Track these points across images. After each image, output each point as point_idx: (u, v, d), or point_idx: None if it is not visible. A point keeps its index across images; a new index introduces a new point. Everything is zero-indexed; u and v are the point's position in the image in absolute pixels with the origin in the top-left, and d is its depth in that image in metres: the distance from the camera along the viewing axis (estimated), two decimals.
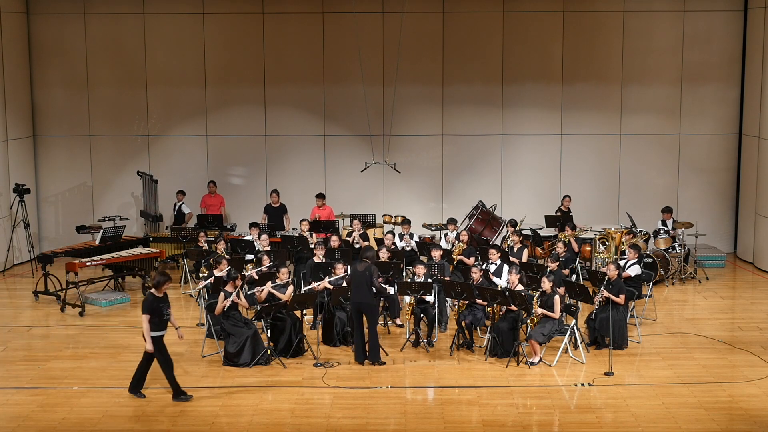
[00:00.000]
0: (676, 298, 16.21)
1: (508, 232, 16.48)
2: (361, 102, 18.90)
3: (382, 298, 13.43)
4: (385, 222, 18.15)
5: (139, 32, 19.37)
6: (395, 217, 18.03)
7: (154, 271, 16.61)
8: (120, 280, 16.73)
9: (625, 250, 15.21)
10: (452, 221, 16.52)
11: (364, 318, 12.52)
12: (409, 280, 14.10)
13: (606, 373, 12.00)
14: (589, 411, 10.85)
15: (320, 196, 18.12)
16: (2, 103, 18.24)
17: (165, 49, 19.44)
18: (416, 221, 18.09)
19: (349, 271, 13.92)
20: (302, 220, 16.64)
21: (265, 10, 19.37)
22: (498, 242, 17.05)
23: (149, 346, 11.07)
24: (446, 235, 16.35)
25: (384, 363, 12.46)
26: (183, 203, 18.77)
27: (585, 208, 19.06)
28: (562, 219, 17.39)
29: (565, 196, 18.52)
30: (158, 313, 11.12)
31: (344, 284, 13.43)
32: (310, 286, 13.49)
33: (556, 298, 12.54)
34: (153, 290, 11.26)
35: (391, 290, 13.68)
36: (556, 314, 12.50)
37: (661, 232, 17.33)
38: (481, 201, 17.96)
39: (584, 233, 17.09)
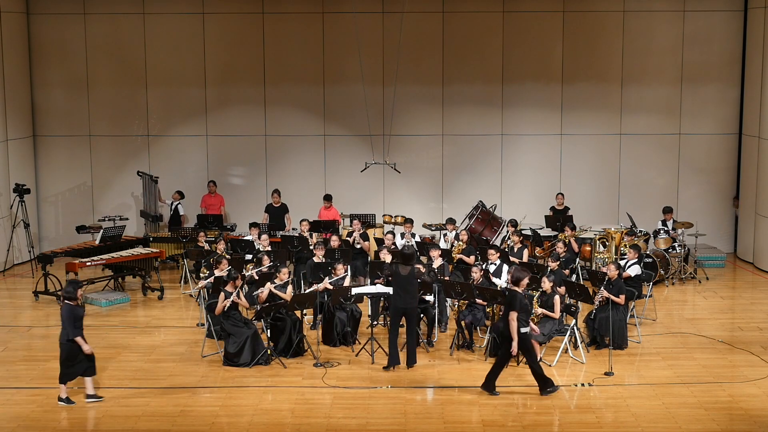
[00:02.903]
0: (676, 298, 16.21)
1: (508, 232, 16.48)
2: (361, 102, 18.90)
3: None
4: (385, 222, 18.15)
5: (139, 32, 19.37)
6: (395, 217, 18.03)
7: (155, 272, 16.64)
8: (120, 280, 16.72)
9: (625, 251, 15.23)
10: (451, 221, 16.52)
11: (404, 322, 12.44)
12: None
13: (606, 373, 12.00)
14: (589, 411, 10.85)
15: (327, 198, 18.15)
16: (2, 103, 18.24)
17: (165, 49, 19.44)
18: (416, 221, 18.06)
19: (349, 272, 13.92)
20: (302, 220, 16.65)
21: (265, 10, 19.37)
22: (498, 242, 17.05)
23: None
24: (445, 235, 16.35)
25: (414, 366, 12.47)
26: (179, 203, 18.74)
27: (585, 208, 19.06)
28: (562, 219, 17.40)
29: (558, 194, 18.55)
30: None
31: (344, 284, 13.43)
32: (311, 288, 13.46)
33: (556, 298, 12.54)
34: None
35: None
36: (556, 314, 12.50)
37: (661, 232, 17.33)
38: (481, 201, 17.97)
39: (584, 233, 17.09)
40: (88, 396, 11.20)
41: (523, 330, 11.10)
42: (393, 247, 15.38)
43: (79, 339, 11.07)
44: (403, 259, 12.32)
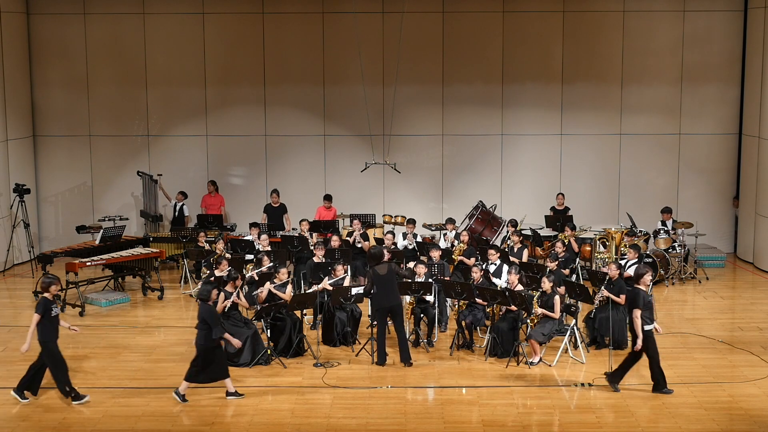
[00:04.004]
0: (676, 298, 16.21)
1: (508, 232, 16.48)
2: (361, 102, 18.90)
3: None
4: (385, 222, 18.15)
5: (139, 32, 19.37)
6: (395, 217, 18.03)
7: (155, 272, 16.64)
8: (120, 280, 16.73)
9: (625, 251, 15.23)
10: (451, 221, 16.52)
11: (389, 320, 12.51)
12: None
13: (606, 373, 11.99)
14: (589, 411, 10.86)
15: (327, 198, 18.15)
16: (2, 103, 18.24)
17: (165, 49, 19.44)
18: (416, 221, 18.08)
19: (349, 272, 13.92)
20: (302, 220, 16.65)
21: (265, 10, 19.37)
22: (498, 242, 17.05)
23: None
24: (445, 234, 16.35)
25: (412, 363, 12.47)
26: (183, 204, 18.76)
27: (585, 208, 19.06)
28: (562, 219, 17.40)
29: (558, 194, 18.56)
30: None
31: (344, 284, 13.44)
32: (311, 289, 13.46)
33: (556, 298, 12.54)
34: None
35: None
36: (556, 314, 12.50)
37: (661, 232, 17.33)
38: (481, 201, 17.97)
39: (584, 233, 17.09)
40: (229, 393, 11.23)
41: (647, 327, 11.12)
42: (393, 247, 15.39)
43: (227, 336, 11.32)
44: (372, 260, 12.46)
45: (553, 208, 18.44)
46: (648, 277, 11.27)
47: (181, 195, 18.77)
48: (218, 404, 11.10)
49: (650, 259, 16.30)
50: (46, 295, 11.10)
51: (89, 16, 19.31)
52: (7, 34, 18.33)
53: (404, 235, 16.14)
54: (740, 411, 10.87)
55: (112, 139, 19.66)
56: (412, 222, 16.47)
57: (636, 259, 14.36)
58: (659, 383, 11.36)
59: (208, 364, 11.10)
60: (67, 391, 11.09)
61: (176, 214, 18.78)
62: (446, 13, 19.31)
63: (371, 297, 12.49)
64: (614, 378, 11.48)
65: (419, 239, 16.51)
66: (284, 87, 19.55)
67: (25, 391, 11.23)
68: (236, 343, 11.58)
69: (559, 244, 15.28)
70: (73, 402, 11.08)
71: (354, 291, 13.28)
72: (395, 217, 18.03)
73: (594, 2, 19.30)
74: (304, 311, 13.41)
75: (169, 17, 19.41)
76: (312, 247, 15.16)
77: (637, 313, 11.03)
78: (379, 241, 15.84)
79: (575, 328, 12.79)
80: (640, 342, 11.06)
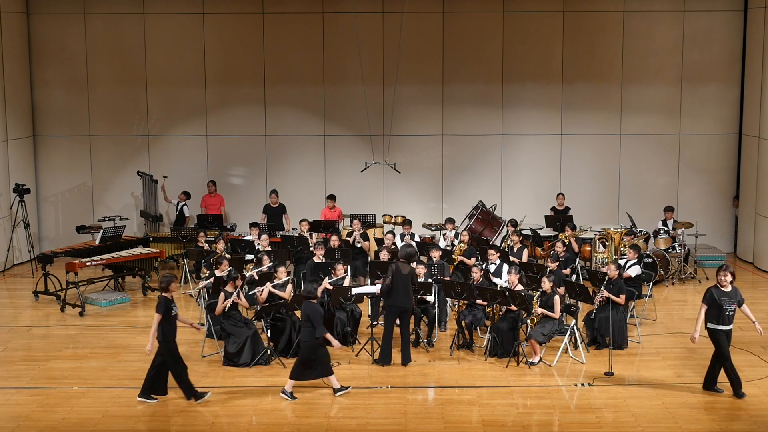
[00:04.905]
0: (676, 298, 16.21)
1: (508, 231, 16.48)
2: (361, 102, 18.91)
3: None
4: (385, 222, 18.15)
5: (139, 32, 19.38)
6: (395, 217, 18.03)
7: (155, 272, 16.63)
8: (120, 280, 16.73)
9: (624, 251, 15.23)
10: (450, 221, 16.52)
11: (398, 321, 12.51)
12: None
13: (606, 373, 12.00)
14: (589, 411, 10.86)
15: (331, 198, 18.14)
16: (2, 103, 18.24)
17: (165, 49, 19.44)
18: (416, 221, 18.09)
19: (349, 272, 13.92)
20: (302, 220, 16.65)
21: (265, 10, 19.37)
22: (498, 242, 17.06)
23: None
24: (444, 234, 16.35)
25: (410, 360, 12.55)
26: (185, 204, 18.76)
27: (585, 208, 19.06)
28: (562, 219, 17.41)
29: (558, 194, 18.56)
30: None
31: (344, 284, 13.44)
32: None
33: (556, 298, 12.54)
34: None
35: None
36: (556, 314, 12.50)
37: (661, 232, 17.33)
38: (481, 201, 17.98)
39: (584, 233, 17.09)
40: (336, 390, 11.30)
41: (709, 325, 11.14)
42: (393, 247, 15.39)
43: (328, 335, 11.32)
44: (400, 256, 12.48)
45: (553, 208, 18.44)
46: (721, 277, 11.22)
47: (183, 195, 18.77)
48: (218, 404, 11.10)
49: (650, 259, 16.30)
50: (165, 294, 11.07)
51: (89, 16, 19.31)
52: (7, 34, 18.33)
53: (402, 236, 16.13)
54: (740, 411, 10.87)
55: (112, 139, 19.66)
56: (408, 223, 16.48)
57: (636, 259, 14.36)
58: (738, 386, 11.30)
59: (313, 362, 11.20)
60: (189, 391, 11.10)
61: (177, 212, 18.77)
62: (446, 13, 19.31)
63: (385, 295, 12.46)
64: (709, 384, 11.42)
65: (417, 239, 16.50)
66: (284, 87, 19.55)
67: (152, 394, 11.18)
68: (336, 344, 11.58)
69: (559, 244, 15.28)
70: (196, 401, 11.08)
71: (354, 291, 13.28)
72: (395, 217, 18.03)
73: (594, 2, 19.30)
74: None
75: (169, 17, 19.41)
76: (312, 247, 15.16)
77: (703, 308, 11.19)
78: (379, 242, 15.84)
79: (575, 328, 12.79)
80: (696, 334, 11.13)
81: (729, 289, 11.15)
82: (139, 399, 11.15)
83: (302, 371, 11.26)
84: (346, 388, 11.39)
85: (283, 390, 11.27)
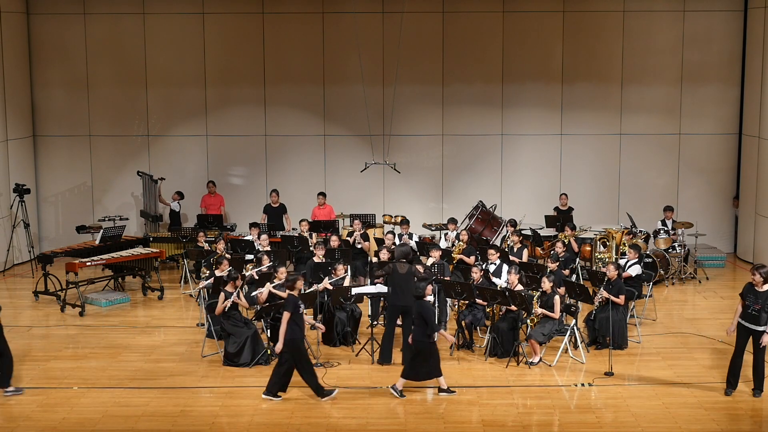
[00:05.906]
0: (676, 298, 16.21)
1: (508, 231, 16.48)
2: (361, 102, 18.90)
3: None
4: (385, 222, 18.15)
5: (139, 32, 19.38)
6: (395, 217, 18.03)
7: (155, 272, 16.62)
8: (120, 280, 16.72)
9: (625, 251, 15.22)
10: (452, 221, 16.52)
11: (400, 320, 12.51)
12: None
13: (606, 373, 12.00)
14: (589, 411, 10.86)
15: (321, 195, 18.14)
16: (2, 103, 18.24)
17: (165, 49, 19.44)
18: (416, 221, 18.10)
19: (349, 272, 13.91)
20: (302, 220, 16.65)
21: (265, 10, 19.37)
22: (498, 242, 17.05)
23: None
24: (446, 234, 16.35)
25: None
26: (177, 203, 18.69)
27: (585, 208, 19.06)
28: (562, 219, 17.40)
29: (561, 194, 18.55)
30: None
31: (344, 284, 13.43)
32: (311, 289, 13.46)
33: (556, 298, 12.54)
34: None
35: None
36: (556, 314, 12.50)
37: (661, 232, 17.33)
38: (481, 201, 17.97)
39: (584, 233, 17.09)
40: (441, 390, 11.29)
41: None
42: (393, 247, 15.36)
43: (443, 333, 11.61)
44: (398, 255, 12.50)
45: (556, 208, 18.42)
46: (751, 276, 11.21)
47: (177, 194, 18.73)
48: (218, 404, 11.10)
49: (650, 259, 16.30)
50: (292, 292, 11.14)
51: (89, 16, 19.31)
52: (7, 34, 18.33)
53: (400, 237, 16.12)
54: (740, 411, 10.87)
55: (112, 139, 19.66)
56: (406, 223, 16.48)
57: (636, 259, 14.35)
58: (760, 383, 11.33)
59: (425, 361, 11.19)
60: (317, 389, 11.12)
61: (170, 214, 18.74)
62: (446, 13, 19.31)
63: (387, 295, 12.46)
64: (758, 383, 11.39)
65: (416, 238, 16.50)
66: (284, 87, 19.55)
67: (279, 392, 11.22)
68: (450, 339, 11.84)
69: (559, 244, 15.28)
70: (322, 398, 11.10)
71: (355, 291, 13.27)
72: (395, 217, 18.03)
73: (594, 2, 19.30)
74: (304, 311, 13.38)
75: (169, 17, 19.41)
76: (312, 248, 15.16)
77: (739, 302, 11.27)
78: (379, 242, 15.84)
79: (575, 328, 12.79)
80: (765, 338, 11.02)
81: (763, 290, 11.05)
82: (264, 397, 11.15)
83: (418, 370, 11.23)
84: (453, 392, 11.33)
85: (393, 386, 11.30)
